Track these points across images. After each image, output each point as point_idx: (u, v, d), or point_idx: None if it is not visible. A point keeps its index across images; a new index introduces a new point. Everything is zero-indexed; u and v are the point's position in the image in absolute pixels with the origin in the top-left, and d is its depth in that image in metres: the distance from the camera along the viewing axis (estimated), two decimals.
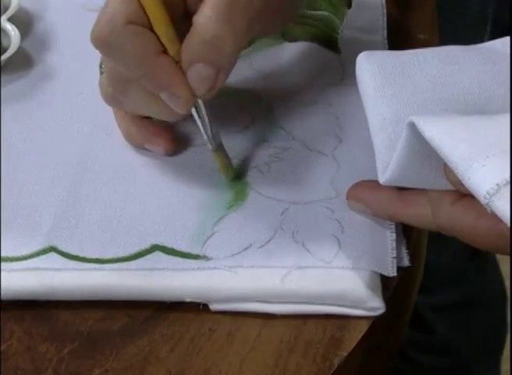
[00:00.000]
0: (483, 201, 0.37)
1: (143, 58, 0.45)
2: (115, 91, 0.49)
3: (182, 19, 0.47)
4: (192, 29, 0.45)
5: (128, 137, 0.53)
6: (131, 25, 0.45)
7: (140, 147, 0.53)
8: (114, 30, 0.45)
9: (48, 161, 0.53)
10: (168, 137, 0.52)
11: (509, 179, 0.36)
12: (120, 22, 0.45)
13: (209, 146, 0.50)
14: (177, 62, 0.46)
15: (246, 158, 0.52)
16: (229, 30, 0.45)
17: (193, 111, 0.48)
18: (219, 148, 0.50)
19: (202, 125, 0.49)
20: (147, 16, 0.45)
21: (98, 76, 0.51)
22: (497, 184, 0.37)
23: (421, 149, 0.42)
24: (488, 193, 0.37)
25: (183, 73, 0.46)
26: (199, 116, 0.48)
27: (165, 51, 0.46)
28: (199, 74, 0.46)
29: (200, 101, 0.48)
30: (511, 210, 0.36)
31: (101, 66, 0.51)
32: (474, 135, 0.40)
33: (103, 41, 0.45)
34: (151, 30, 0.45)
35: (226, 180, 0.51)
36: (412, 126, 0.41)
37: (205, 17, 0.45)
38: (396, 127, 0.45)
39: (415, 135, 0.42)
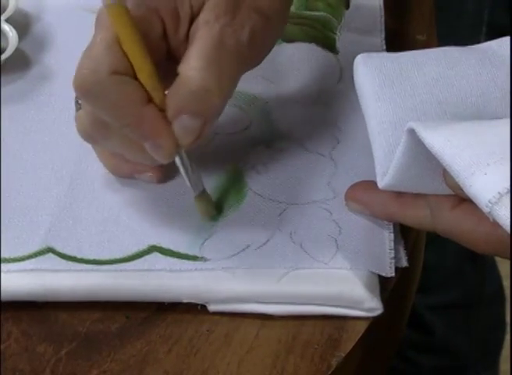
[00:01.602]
0: (485, 209, 0.37)
1: (128, 108, 0.44)
2: (94, 132, 0.47)
3: (164, 61, 0.46)
4: (178, 79, 0.44)
5: (113, 170, 0.51)
6: (116, 75, 0.43)
7: (127, 177, 0.51)
8: (99, 80, 0.43)
9: (45, 162, 0.53)
10: (158, 165, 0.50)
11: (509, 187, 0.36)
12: (105, 71, 0.43)
13: (192, 192, 0.48)
14: (162, 111, 0.44)
15: (243, 159, 0.52)
16: (217, 82, 0.44)
17: (177, 159, 0.46)
18: (202, 194, 0.48)
19: (185, 172, 0.47)
20: (131, 64, 0.44)
21: (76, 119, 0.49)
22: (499, 193, 0.37)
23: (421, 155, 0.42)
24: (490, 201, 0.37)
25: (168, 123, 0.44)
26: (182, 164, 0.47)
27: (149, 100, 0.44)
28: (185, 125, 0.44)
29: (183, 153, 0.46)
30: (511, 218, 0.36)
31: (77, 102, 0.49)
32: (474, 142, 0.40)
33: (87, 90, 0.44)
34: (135, 77, 0.44)
35: (208, 221, 0.49)
36: (412, 133, 0.41)
37: (192, 68, 0.44)
38: (394, 131, 0.45)
39: (414, 141, 0.42)
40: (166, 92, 0.45)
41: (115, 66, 0.43)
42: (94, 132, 0.47)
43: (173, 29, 0.45)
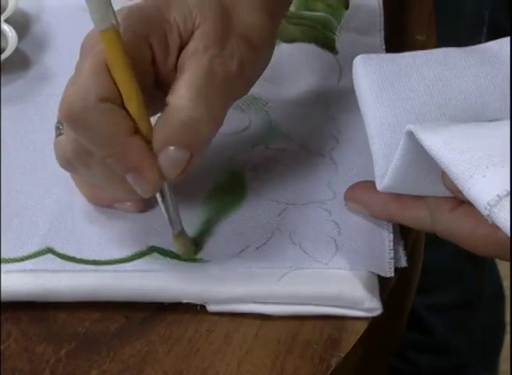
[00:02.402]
0: (484, 212, 0.37)
1: (114, 138, 0.42)
2: (75, 160, 0.45)
3: (151, 89, 0.45)
4: (167, 110, 0.43)
5: (93, 199, 0.50)
6: (104, 102, 0.42)
7: (107, 206, 0.50)
8: (86, 107, 0.42)
9: (45, 162, 0.53)
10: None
11: (509, 189, 0.36)
12: (93, 99, 0.42)
13: (171, 230, 0.47)
14: (148, 142, 0.43)
15: (243, 159, 0.52)
16: (207, 113, 0.43)
17: (158, 194, 0.45)
18: (180, 234, 0.47)
19: (165, 209, 0.46)
20: (119, 91, 0.43)
21: (56, 145, 0.47)
22: (498, 195, 0.37)
23: (419, 157, 0.42)
24: (488, 204, 0.37)
25: (154, 156, 0.43)
26: (163, 200, 0.45)
27: (135, 130, 0.43)
28: (171, 158, 0.43)
29: (165, 185, 0.45)
30: (511, 221, 0.36)
31: (58, 127, 0.47)
32: (473, 145, 0.40)
33: (73, 117, 0.42)
34: (123, 105, 0.43)
35: (187, 259, 0.48)
36: (410, 135, 0.41)
37: (181, 98, 0.43)
38: (393, 133, 0.45)
39: (413, 144, 0.42)
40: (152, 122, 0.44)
41: (103, 94, 0.42)
42: (75, 160, 0.45)
43: (162, 56, 0.45)
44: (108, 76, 0.43)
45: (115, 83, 0.43)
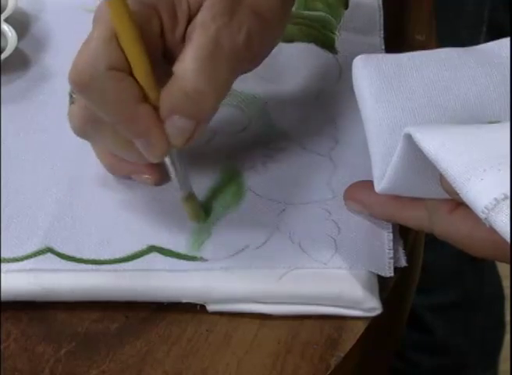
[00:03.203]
0: (481, 215, 0.37)
1: (122, 105, 0.43)
2: (87, 126, 0.47)
3: (160, 59, 0.46)
4: (172, 80, 0.44)
5: (110, 169, 0.51)
6: (113, 71, 0.43)
7: (125, 178, 0.51)
8: (95, 75, 0.43)
9: (44, 162, 0.53)
10: (156, 167, 0.49)
11: (507, 193, 0.36)
12: (102, 66, 0.43)
13: (180, 194, 0.48)
14: (156, 109, 0.44)
15: (242, 159, 0.52)
16: (211, 84, 0.44)
17: (167, 159, 0.46)
18: (190, 196, 0.48)
19: (174, 173, 0.47)
20: (127, 60, 0.43)
21: (69, 113, 0.48)
22: (495, 199, 0.36)
23: (418, 160, 0.42)
24: (486, 208, 0.37)
25: (161, 123, 0.44)
26: (172, 164, 0.47)
27: (144, 98, 0.44)
28: (177, 126, 0.44)
29: (173, 149, 0.46)
30: (511, 225, 0.36)
31: (71, 96, 0.49)
32: (471, 148, 0.39)
33: (83, 84, 0.43)
34: (131, 74, 0.44)
35: (196, 224, 0.49)
36: (408, 138, 0.41)
37: (186, 70, 0.43)
38: (392, 134, 0.45)
39: (411, 146, 0.41)
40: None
41: (112, 62, 0.43)
42: (87, 127, 0.47)
43: (171, 27, 0.45)
44: (118, 45, 0.43)
45: (124, 52, 0.43)
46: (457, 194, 0.39)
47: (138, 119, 0.44)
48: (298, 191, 0.50)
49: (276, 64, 0.58)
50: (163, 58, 0.46)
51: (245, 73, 0.48)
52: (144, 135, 0.44)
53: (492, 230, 0.37)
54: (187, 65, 0.44)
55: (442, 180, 0.42)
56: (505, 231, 0.36)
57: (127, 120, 0.44)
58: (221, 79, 0.44)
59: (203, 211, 0.49)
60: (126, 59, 0.43)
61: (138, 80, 0.44)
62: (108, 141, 0.47)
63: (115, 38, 0.43)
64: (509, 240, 0.36)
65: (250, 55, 0.46)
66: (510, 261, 0.41)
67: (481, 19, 0.89)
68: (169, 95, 0.44)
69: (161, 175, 0.50)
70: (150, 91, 0.44)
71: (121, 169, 0.51)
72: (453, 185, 0.39)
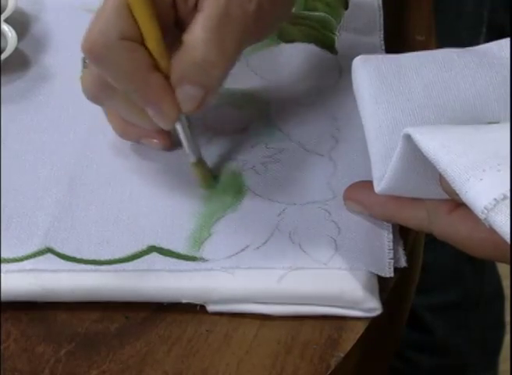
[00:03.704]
0: (481, 216, 0.37)
1: (134, 74, 0.45)
2: (99, 92, 0.48)
3: (172, 29, 0.47)
4: (182, 48, 0.45)
5: (122, 133, 0.53)
6: (125, 40, 0.44)
7: (135, 142, 0.53)
8: (107, 44, 0.44)
9: (44, 162, 0.53)
10: (165, 132, 0.51)
11: (507, 193, 0.36)
12: (114, 36, 0.44)
13: (190, 159, 0.50)
14: (167, 78, 0.46)
15: (243, 159, 0.52)
16: (220, 54, 0.45)
17: (177, 125, 0.48)
18: (199, 162, 0.50)
19: (184, 138, 0.49)
20: (139, 31, 0.45)
21: (82, 79, 0.50)
22: (495, 199, 0.36)
23: (417, 160, 0.42)
24: (485, 208, 0.37)
25: (172, 90, 0.46)
26: (182, 130, 0.48)
27: (155, 67, 0.45)
28: (187, 93, 0.46)
29: (183, 116, 0.48)
30: (511, 225, 0.36)
31: (84, 61, 0.51)
32: (470, 148, 0.39)
33: (96, 53, 0.45)
34: (143, 44, 0.45)
35: (205, 190, 0.51)
36: (408, 139, 0.41)
37: (196, 39, 0.44)
38: (392, 135, 0.45)
39: (411, 147, 0.41)
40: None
41: (124, 32, 0.44)
42: (99, 92, 0.48)
43: None
44: (130, 14, 0.44)
45: (135, 22, 0.44)
46: (457, 195, 0.39)
47: (150, 88, 0.45)
48: (298, 191, 0.50)
49: (276, 64, 0.58)
50: (175, 28, 0.47)
51: (252, 44, 0.49)
52: (155, 103, 0.46)
53: (491, 231, 0.37)
54: (197, 34, 0.44)
55: (442, 181, 0.42)
56: (504, 231, 0.36)
57: (139, 89, 0.45)
58: (230, 49, 0.45)
59: (212, 177, 0.50)
60: (138, 29, 0.44)
61: (150, 49, 0.45)
62: (120, 107, 0.49)
63: (127, 8, 0.44)
64: (509, 240, 0.36)
65: (260, 26, 0.47)
66: (509, 261, 0.41)
67: (481, 19, 0.89)
68: (179, 64, 0.45)
69: (169, 140, 0.52)
70: (161, 60, 0.45)
71: (131, 134, 0.52)
72: (453, 185, 0.39)
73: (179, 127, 0.48)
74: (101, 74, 0.46)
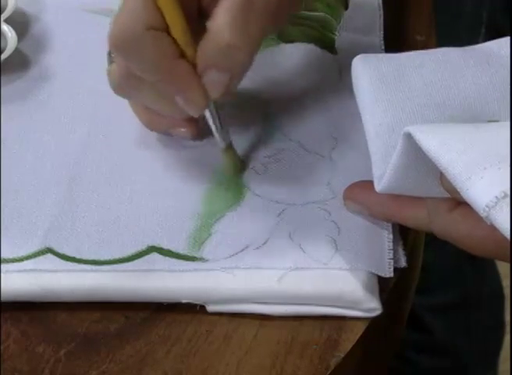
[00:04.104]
0: (482, 214, 0.37)
1: (161, 63, 0.45)
2: (127, 85, 0.49)
3: (196, 17, 0.47)
4: (207, 35, 0.45)
5: (149, 124, 0.53)
6: (151, 30, 0.45)
7: (163, 133, 0.53)
8: (135, 36, 0.44)
9: (44, 162, 0.53)
10: (193, 121, 0.51)
11: (507, 191, 0.36)
12: (141, 27, 0.44)
13: (220, 145, 0.50)
14: (193, 66, 0.46)
15: (242, 159, 0.52)
16: (244, 39, 0.45)
17: (206, 111, 0.49)
18: (229, 147, 0.51)
19: (214, 124, 0.49)
20: (165, 20, 0.45)
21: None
22: (496, 197, 0.36)
23: (417, 159, 0.42)
24: (487, 206, 0.37)
25: (199, 78, 0.46)
26: (211, 116, 0.49)
27: (181, 55, 0.46)
28: (213, 79, 0.46)
29: (211, 103, 0.48)
30: (511, 223, 0.36)
31: (110, 55, 0.51)
32: (471, 146, 0.40)
33: (122, 45, 0.45)
34: (168, 33, 0.45)
35: (232, 177, 0.51)
36: (408, 137, 0.41)
37: (220, 24, 0.45)
38: (392, 134, 0.45)
39: (411, 145, 0.42)
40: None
41: (150, 22, 0.45)
42: (127, 85, 0.49)
43: None
44: (154, 5, 0.45)
45: (161, 12, 0.45)
46: (458, 193, 0.39)
47: (177, 76, 0.46)
48: (298, 191, 0.50)
49: (276, 64, 0.58)
50: (199, 16, 0.47)
51: (274, 31, 0.49)
52: (183, 91, 0.46)
53: (492, 229, 0.37)
54: (221, 20, 0.45)
55: (443, 179, 0.42)
56: (506, 229, 0.36)
57: (166, 78, 0.46)
58: (254, 34, 0.46)
59: (240, 164, 0.51)
60: (163, 18, 0.45)
61: (175, 38, 0.46)
62: (148, 98, 0.49)
63: None
64: (509, 238, 0.36)
65: (279, 15, 0.48)
66: (510, 260, 0.41)
67: (480, 20, 0.89)
68: (204, 51, 0.45)
69: (197, 128, 0.52)
70: (187, 48, 0.46)
71: (159, 125, 0.52)
72: (454, 184, 0.39)
73: (207, 114, 0.49)
74: (129, 66, 0.47)
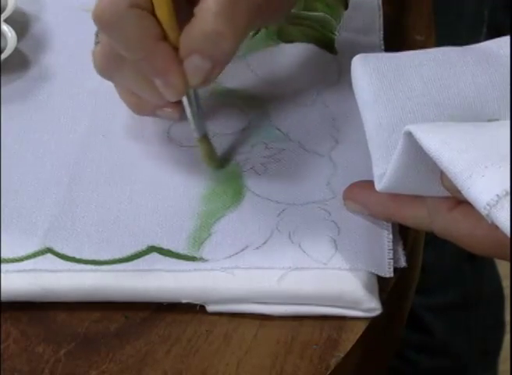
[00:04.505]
0: (483, 212, 0.37)
1: (143, 42, 0.45)
2: (109, 64, 0.49)
3: (184, 4, 0.47)
4: (193, 20, 0.45)
5: (135, 108, 0.52)
6: (135, 8, 0.45)
7: (150, 115, 0.52)
8: (117, 12, 0.44)
9: (44, 162, 0.53)
10: (179, 103, 0.50)
11: (508, 189, 0.36)
12: (124, 4, 0.44)
13: (195, 134, 0.50)
14: (175, 50, 0.46)
15: (242, 159, 0.52)
16: (230, 27, 0.45)
17: (184, 98, 0.48)
18: (204, 137, 0.50)
19: (191, 112, 0.49)
20: (150, 0, 0.45)
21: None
22: (497, 195, 0.36)
23: (418, 158, 0.42)
24: (488, 204, 0.37)
25: (180, 62, 0.46)
26: (189, 104, 0.49)
27: (164, 37, 0.46)
28: (195, 65, 0.46)
29: (191, 90, 0.48)
30: (511, 221, 0.36)
31: (96, 36, 0.51)
32: (472, 145, 0.40)
33: (105, 20, 0.45)
34: (153, 13, 0.45)
35: (209, 169, 0.51)
36: (409, 136, 0.41)
37: (207, 10, 0.45)
38: (392, 133, 0.45)
39: (412, 144, 0.42)
40: None
41: (134, 0, 0.44)
42: (109, 65, 0.49)
43: None
44: None
45: None
46: (458, 192, 0.39)
47: (158, 57, 0.46)
48: (298, 191, 0.50)
49: (276, 64, 0.58)
50: (187, 2, 0.47)
51: (263, 25, 0.49)
52: (162, 74, 0.46)
53: (492, 228, 0.37)
54: (208, 6, 0.45)
55: (443, 178, 0.42)
56: (507, 227, 0.36)
57: (147, 57, 0.46)
58: (240, 23, 0.45)
59: (217, 155, 0.51)
60: None
61: (160, 19, 0.45)
62: (129, 79, 0.49)
63: None
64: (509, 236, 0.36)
65: (270, 8, 0.48)
66: (510, 259, 0.41)
67: (482, 19, 0.89)
68: (189, 35, 0.45)
69: (183, 110, 0.51)
70: (170, 31, 0.46)
71: (144, 108, 0.52)
72: (455, 182, 0.39)
73: (185, 101, 0.48)
74: (111, 44, 0.47)
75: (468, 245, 0.43)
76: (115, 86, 0.52)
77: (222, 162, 0.52)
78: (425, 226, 0.45)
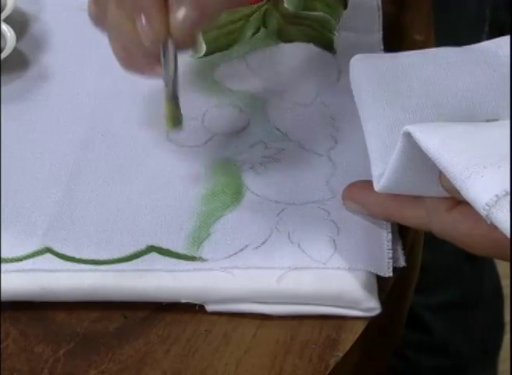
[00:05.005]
0: (482, 212, 0.37)
1: None
2: (97, 9, 0.48)
3: None
4: None
5: (125, 62, 0.51)
6: None
7: (139, 74, 0.51)
8: None
9: (43, 162, 0.53)
10: None
11: (508, 190, 0.36)
12: None
13: (164, 92, 0.49)
14: None
15: (242, 158, 0.52)
16: None
17: (161, 52, 0.47)
18: (173, 100, 0.49)
19: (166, 69, 0.48)
20: None
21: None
22: (496, 195, 0.36)
23: (417, 158, 0.42)
24: (487, 204, 0.37)
25: (166, 8, 0.45)
26: (165, 57, 0.47)
27: None
28: (182, 13, 0.45)
29: (171, 46, 0.47)
30: (511, 221, 0.36)
31: None
32: (471, 145, 0.40)
33: None
34: None
35: (166, 128, 0.50)
36: (408, 136, 0.41)
37: None
38: (390, 133, 0.45)
39: (411, 144, 0.42)
40: None
41: None
42: (97, 8, 0.48)
43: None
44: None
45: None
46: (457, 192, 0.39)
47: None
48: (297, 191, 0.50)
49: (275, 64, 0.58)
50: None
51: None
52: (145, 12, 0.45)
53: (491, 228, 0.37)
54: None
55: (442, 179, 0.42)
56: (506, 227, 0.36)
57: None
58: None
59: (180, 120, 0.49)
60: None
61: None
62: (113, 23, 0.48)
63: None
64: (509, 236, 0.36)
65: None
66: (509, 258, 0.41)
67: (483, 18, 0.89)
68: None
69: None
70: None
71: (135, 63, 0.51)
72: (454, 183, 0.39)
73: (161, 55, 0.47)
74: None
75: (467, 245, 0.43)
76: (109, 39, 0.51)
77: (182, 124, 0.50)
78: (424, 226, 0.45)
